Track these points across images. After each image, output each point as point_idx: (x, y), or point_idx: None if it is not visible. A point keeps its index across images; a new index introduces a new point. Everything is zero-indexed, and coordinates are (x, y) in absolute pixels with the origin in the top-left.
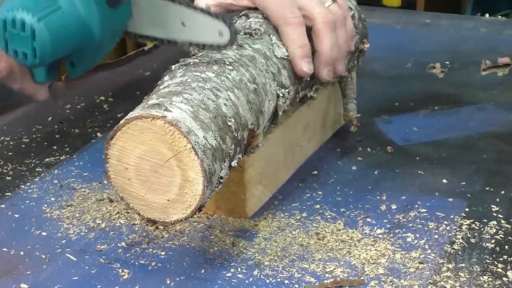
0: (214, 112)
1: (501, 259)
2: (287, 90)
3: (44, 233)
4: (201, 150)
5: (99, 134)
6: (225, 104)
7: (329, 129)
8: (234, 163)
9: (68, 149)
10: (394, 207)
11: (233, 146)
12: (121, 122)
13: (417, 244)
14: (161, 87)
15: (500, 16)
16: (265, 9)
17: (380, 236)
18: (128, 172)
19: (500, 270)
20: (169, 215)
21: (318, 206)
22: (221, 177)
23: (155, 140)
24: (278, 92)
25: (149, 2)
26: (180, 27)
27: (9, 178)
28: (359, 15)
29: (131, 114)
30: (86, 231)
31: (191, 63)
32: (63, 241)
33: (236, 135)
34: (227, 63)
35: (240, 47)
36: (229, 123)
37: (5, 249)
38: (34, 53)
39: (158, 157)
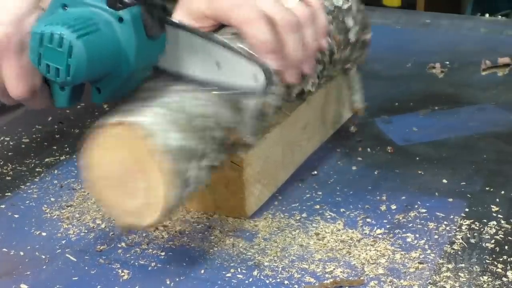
0: (184, 112)
1: (501, 259)
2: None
3: (44, 233)
4: (162, 152)
5: None
6: (195, 103)
7: (329, 129)
8: (215, 163)
9: (68, 149)
10: (394, 207)
11: (203, 145)
12: (90, 132)
13: (417, 244)
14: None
15: (500, 16)
16: (227, 19)
17: (380, 236)
18: (101, 180)
19: (500, 270)
20: (143, 219)
21: (318, 206)
22: (195, 177)
23: (120, 146)
24: None
25: (186, 38)
26: (213, 68)
27: (9, 178)
28: (357, 7)
29: (98, 124)
30: (86, 231)
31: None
32: (63, 242)
33: (208, 134)
34: None
35: None
36: (199, 122)
37: (5, 249)
38: (68, 70)
39: (124, 163)
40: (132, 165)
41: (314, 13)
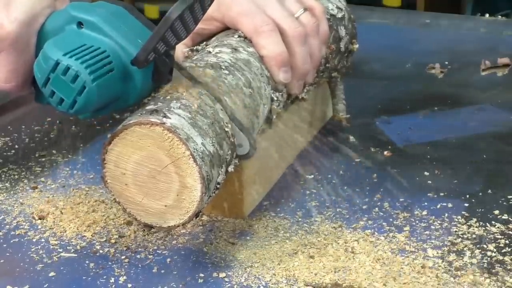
0: (212, 118)
1: (502, 260)
2: (280, 94)
3: (43, 234)
4: (199, 157)
5: (99, 134)
6: (221, 110)
7: (315, 127)
8: (230, 168)
9: (68, 149)
10: (393, 207)
11: (229, 152)
12: (119, 128)
13: (417, 245)
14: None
15: (500, 16)
16: (236, 26)
17: (380, 236)
18: (126, 177)
19: (502, 271)
20: (166, 221)
21: (316, 206)
22: (218, 183)
23: (154, 146)
24: (272, 95)
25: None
26: None
27: (9, 178)
28: (348, 15)
29: (129, 120)
30: (86, 231)
31: (187, 67)
32: (63, 242)
33: (232, 140)
34: (223, 67)
35: (235, 50)
36: (226, 129)
37: (4, 250)
38: (73, 104)
39: (156, 163)
40: (159, 166)
41: (319, 23)
